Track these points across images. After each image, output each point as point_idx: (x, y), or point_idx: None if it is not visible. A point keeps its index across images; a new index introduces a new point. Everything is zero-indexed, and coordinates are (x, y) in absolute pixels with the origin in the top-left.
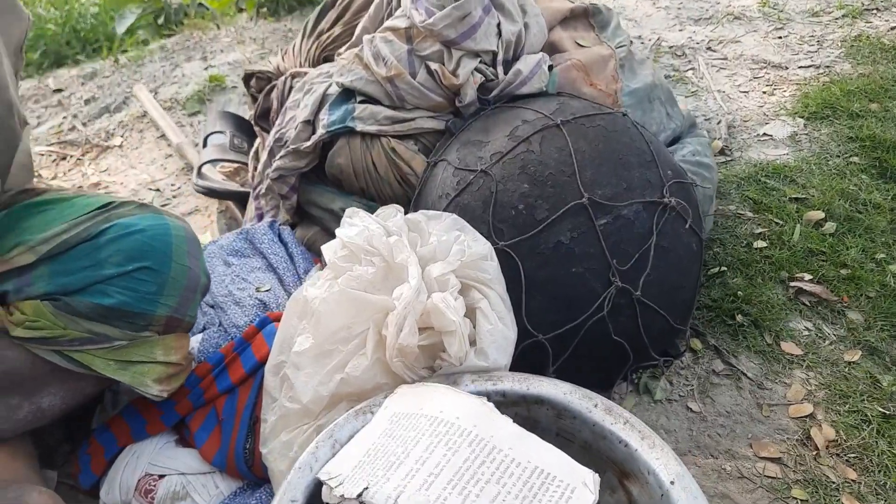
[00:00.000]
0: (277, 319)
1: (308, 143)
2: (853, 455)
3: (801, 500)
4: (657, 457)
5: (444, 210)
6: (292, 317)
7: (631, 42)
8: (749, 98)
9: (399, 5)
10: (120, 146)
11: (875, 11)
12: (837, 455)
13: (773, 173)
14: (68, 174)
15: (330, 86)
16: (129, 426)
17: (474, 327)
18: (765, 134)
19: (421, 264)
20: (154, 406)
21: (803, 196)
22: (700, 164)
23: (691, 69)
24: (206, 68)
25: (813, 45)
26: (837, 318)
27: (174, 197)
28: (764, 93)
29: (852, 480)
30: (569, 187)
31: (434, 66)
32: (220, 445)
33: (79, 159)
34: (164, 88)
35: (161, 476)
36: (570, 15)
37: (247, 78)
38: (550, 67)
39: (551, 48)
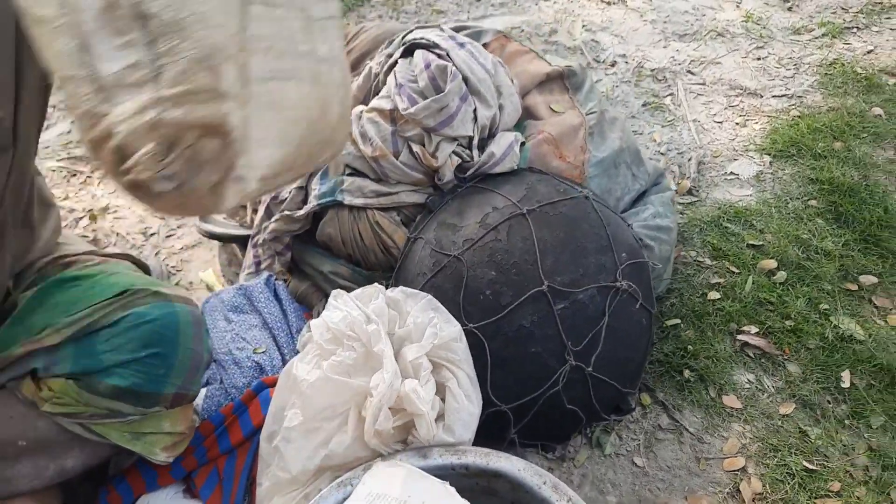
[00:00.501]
0: (272, 384)
1: (301, 212)
2: None
3: None
4: None
5: (421, 288)
6: (284, 389)
7: (602, 110)
8: (722, 129)
9: (385, 81)
10: None
11: (855, 30)
12: None
13: (734, 217)
14: (78, 195)
15: None
16: (143, 478)
17: (443, 404)
18: (731, 172)
19: (397, 345)
20: None
21: (760, 243)
22: (659, 228)
23: (670, 94)
24: None
25: (790, 68)
26: (778, 370)
27: (178, 227)
28: (737, 124)
29: None
30: (531, 275)
31: (416, 148)
32: (222, 502)
33: (88, 177)
34: None
35: None
36: (545, 79)
37: None
38: (523, 143)
39: (527, 113)
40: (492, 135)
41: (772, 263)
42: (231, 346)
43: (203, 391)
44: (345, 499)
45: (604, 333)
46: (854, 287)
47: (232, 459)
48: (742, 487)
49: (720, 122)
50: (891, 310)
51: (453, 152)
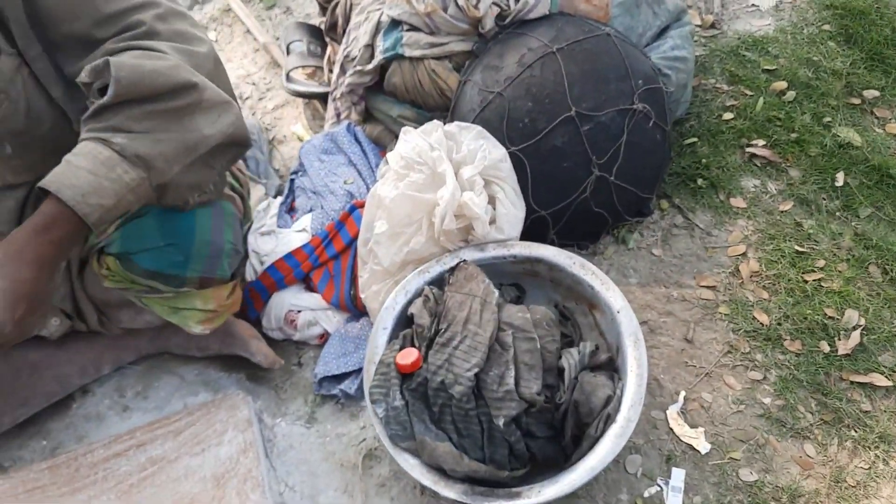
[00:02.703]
0: (361, 206)
1: (370, 66)
2: (768, 282)
3: (725, 314)
4: (611, 296)
5: (472, 122)
6: (371, 208)
7: None
8: None
9: None
10: (216, 40)
11: None
12: (757, 282)
13: (752, 45)
14: None
15: (382, 14)
16: (274, 280)
17: (494, 210)
18: (752, 4)
19: (455, 167)
20: (287, 265)
21: (773, 67)
22: (676, 59)
23: None
24: None
25: None
26: (780, 175)
27: (267, 91)
28: None
29: (764, 299)
30: (561, 103)
31: (461, 1)
32: (334, 291)
33: None
34: None
35: (299, 311)
36: None
37: None
38: None
39: None
40: None
41: (782, 85)
42: (326, 179)
43: (309, 216)
44: (425, 282)
45: (623, 148)
46: (857, 101)
47: (338, 262)
48: (741, 268)
49: None
50: (890, 119)
51: (493, 3)
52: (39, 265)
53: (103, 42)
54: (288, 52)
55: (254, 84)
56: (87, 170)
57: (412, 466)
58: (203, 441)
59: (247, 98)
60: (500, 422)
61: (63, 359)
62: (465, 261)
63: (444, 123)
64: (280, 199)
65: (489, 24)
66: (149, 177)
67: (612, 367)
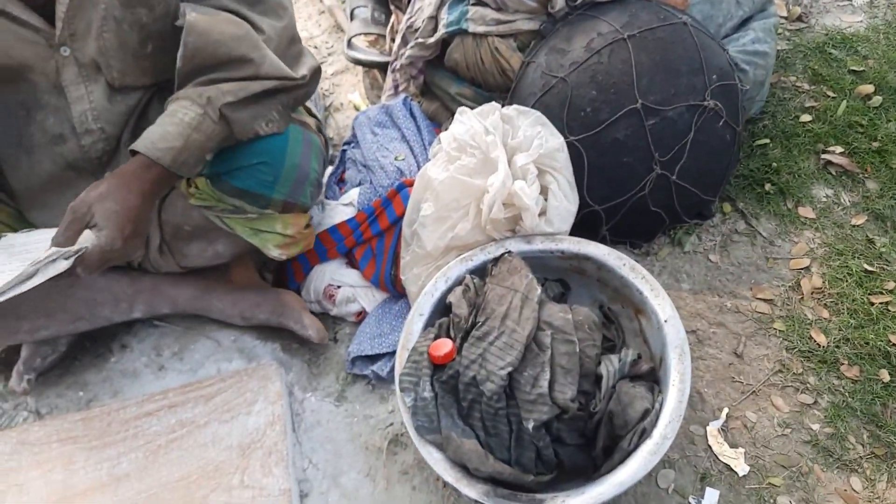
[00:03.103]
0: (409, 185)
1: (431, 40)
2: (831, 300)
3: (780, 331)
4: (659, 303)
5: (532, 106)
6: (419, 188)
7: None
8: None
9: None
10: None
11: None
12: (818, 299)
13: (840, 43)
14: None
15: None
16: (317, 252)
17: (546, 202)
18: None
19: (509, 153)
20: (331, 238)
21: (861, 69)
22: (756, 53)
23: None
24: None
25: None
26: (856, 186)
27: (329, 55)
28: None
29: (824, 318)
30: (627, 94)
31: None
32: (375, 270)
33: None
34: None
35: (339, 286)
36: None
37: None
38: None
39: None
40: None
41: (869, 88)
42: (377, 154)
43: (356, 190)
44: (467, 270)
45: (689, 147)
46: None
47: (381, 241)
48: (803, 283)
49: None
50: None
51: None
52: (143, 195)
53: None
54: (352, 18)
55: (315, 48)
56: (157, 123)
57: (436, 461)
58: (233, 409)
59: None
60: (530, 425)
61: (100, 284)
62: (510, 252)
63: (504, 105)
64: (331, 168)
65: (559, 3)
66: (205, 112)
67: (653, 378)
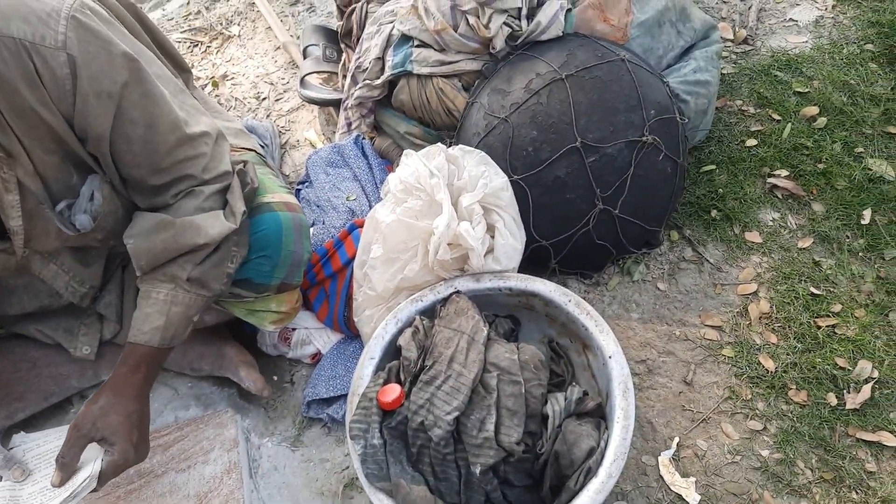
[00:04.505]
0: (361, 225)
1: (378, 81)
2: (778, 325)
3: (729, 357)
4: (604, 339)
5: (476, 146)
6: (369, 230)
7: None
8: None
9: None
10: (238, 35)
11: None
12: (766, 324)
13: (785, 65)
14: (201, 63)
15: (393, 28)
16: None
17: (493, 240)
18: (791, 19)
19: (455, 193)
20: None
21: (806, 90)
22: (697, 83)
23: None
24: None
25: None
26: (802, 209)
27: (284, 92)
28: None
29: (772, 343)
30: (567, 133)
31: (472, 20)
32: (329, 311)
33: (207, 47)
34: None
35: (293, 329)
36: None
37: None
38: (569, 10)
39: None
40: (540, 3)
41: (814, 110)
42: (329, 194)
43: (311, 230)
44: (417, 311)
45: (629, 181)
46: (895, 130)
47: (334, 282)
48: (751, 308)
49: None
50: None
51: (504, 23)
52: (139, 397)
53: (158, 188)
54: (305, 56)
55: (272, 84)
56: (137, 307)
57: None
58: (190, 458)
59: (263, 98)
60: (477, 469)
61: (63, 358)
62: (458, 292)
63: (450, 144)
64: None
65: (500, 44)
66: (175, 285)
67: (600, 414)
